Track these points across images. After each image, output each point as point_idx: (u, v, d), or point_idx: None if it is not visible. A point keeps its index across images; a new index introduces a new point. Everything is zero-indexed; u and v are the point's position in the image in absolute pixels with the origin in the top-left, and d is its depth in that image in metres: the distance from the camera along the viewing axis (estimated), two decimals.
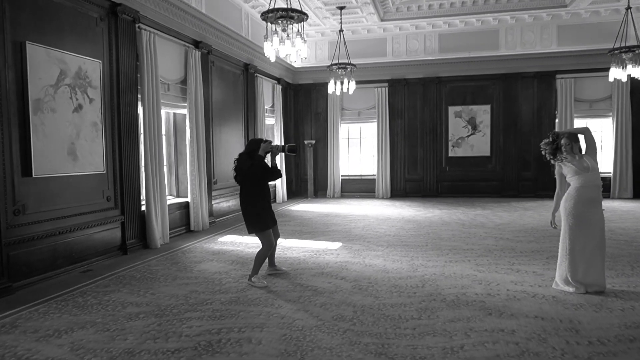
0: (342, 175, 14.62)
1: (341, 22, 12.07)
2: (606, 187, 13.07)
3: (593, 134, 5.04)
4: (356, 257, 6.58)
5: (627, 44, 10.61)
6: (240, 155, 5.61)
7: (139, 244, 7.26)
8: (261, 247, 5.46)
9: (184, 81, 8.72)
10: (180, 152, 9.14)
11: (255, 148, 5.44)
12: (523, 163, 13.63)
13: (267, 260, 5.72)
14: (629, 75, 10.77)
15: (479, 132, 13.89)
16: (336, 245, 7.39)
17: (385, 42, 14.14)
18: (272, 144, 5.47)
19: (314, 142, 14.55)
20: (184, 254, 7.02)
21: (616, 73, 10.90)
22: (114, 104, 6.84)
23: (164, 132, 8.67)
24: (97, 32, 6.52)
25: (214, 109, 9.81)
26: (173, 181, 9.19)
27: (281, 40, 7.69)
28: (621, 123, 12.80)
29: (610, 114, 13.03)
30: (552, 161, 5.03)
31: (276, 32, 7.62)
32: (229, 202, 10.52)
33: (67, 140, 5.97)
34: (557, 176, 5.01)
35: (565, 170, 4.86)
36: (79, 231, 6.14)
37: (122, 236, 6.99)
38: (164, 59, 8.08)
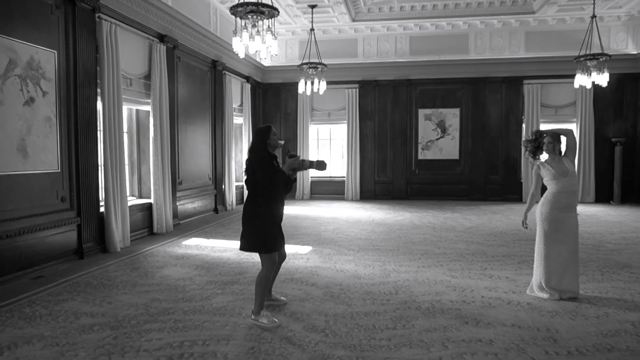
0: (311, 177, 14.40)
1: (312, 21, 11.86)
2: None
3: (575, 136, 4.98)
4: (327, 262, 6.36)
5: (592, 52, 10.83)
6: (252, 152, 4.28)
7: (96, 248, 6.83)
8: (261, 269, 4.21)
9: (147, 76, 8.31)
10: (143, 151, 8.71)
11: (266, 137, 4.20)
12: (491, 167, 13.75)
13: None
14: (593, 82, 10.99)
15: (448, 136, 13.93)
16: (306, 249, 7.15)
17: (356, 42, 14.02)
18: (300, 158, 4.29)
19: (283, 142, 14.22)
20: (145, 258, 6.64)
21: (581, 80, 11.10)
22: (70, 98, 6.40)
23: (125, 129, 8.24)
24: (52, 21, 6.08)
25: (179, 106, 9.42)
26: (135, 181, 8.75)
27: (251, 36, 7.41)
28: (585, 129, 13.08)
29: (575, 119, 13.29)
30: (531, 160, 4.99)
31: (246, 27, 7.34)
32: (194, 204, 10.13)
33: (17, 135, 5.52)
34: (534, 176, 4.92)
35: (543, 172, 4.79)
36: (29, 234, 5.69)
37: (78, 239, 6.55)
38: (127, 52, 7.66)
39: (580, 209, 11.59)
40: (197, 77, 10.28)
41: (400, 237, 8.16)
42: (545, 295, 4.71)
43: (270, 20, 7.61)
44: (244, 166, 4.36)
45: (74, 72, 6.45)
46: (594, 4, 11.04)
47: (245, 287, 5.21)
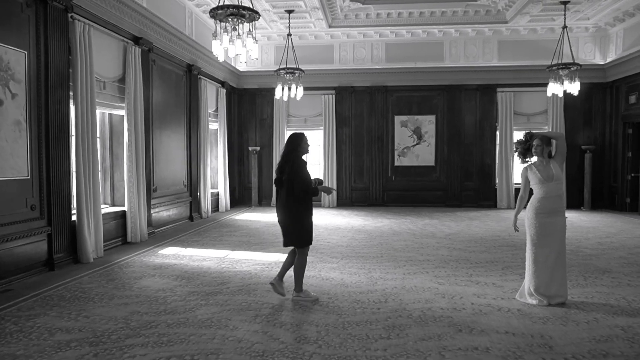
0: None
1: (289, 26, 11.78)
2: None
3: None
4: (311, 270, 6.21)
5: (563, 61, 11.11)
6: (288, 155, 4.87)
7: (68, 259, 6.50)
8: (297, 258, 4.93)
9: (122, 79, 8.03)
10: (116, 157, 8.40)
11: (298, 143, 4.85)
12: (466, 173, 13.91)
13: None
14: (565, 91, 11.26)
15: (424, 142, 14.03)
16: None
17: (333, 49, 14.01)
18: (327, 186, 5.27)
19: (258, 148, 14.09)
20: (121, 268, 6.35)
21: (554, 88, 11.37)
22: (41, 101, 6.09)
23: (98, 134, 7.93)
24: (23, 19, 5.78)
25: (154, 110, 9.15)
26: (108, 188, 8.43)
27: (231, 40, 7.25)
28: None
29: (546, 127, 13.59)
30: (520, 161, 5.00)
31: (226, 30, 7.18)
32: (169, 211, 9.83)
33: None
34: (522, 178, 4.95)
35: (530, 175, 4.82)
36: None
37: (48, 250, 6.22)
38: (101, 54, 7.38)
39: None
40: (172, 81, 10.02)
41: (382, 244, 8.10)
42: (534, 302, 4.71)
43: (251, 23, 7.49)
44: (275, 166, 5.04)
45: (45, 73, 6.15)
46: (564, 15, 11.35)
47: (230, 298, 5.02)
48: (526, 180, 4.89)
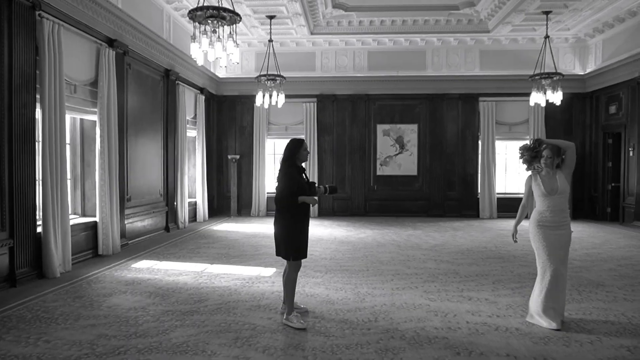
0: (267, 193, 13.84)
1: (270, 32, 11.49)
2: None
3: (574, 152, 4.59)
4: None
5: (543, 71, 11.11)
6: (283, 163, 4.66)
7: (32, 274, 6.02)
8: (288, 271, 4.60)
9: (94, 83, 7.60)
10: (88, 164, 7.94)
11: (296, 151, 4.57)
12: (448, 183, 13.77)
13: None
14: (547, 100, 11.24)
15: (406, 151, 13.86)
16: (270, 271, 6.64)
17: (315, 56, 13.78)
18: (318, 186, 4.81)
19: (238, 157, 13.70)
20: (89, 284, 5.90)
21: (536, 97, 11.34)
22: (4, 104, 5.65)
23: (68, 140, 7.48)
24: None
25: (129, 116, 8.71)
26: (78, 197, 7.95)
27: (211, 43, 6.92)
28: None
29: (528, 137, 13.56)
30: (525, 169, 4.67)
31: (205, 32, 6.85)
32: (144, 222, 9.36)
33: None
34: (525, 186, 4.65)
35: (534, 186, 4.53)
36: None
37: (10, 264, 5.74)
38: (71, 55, 6.96)
39: None
40: (148, 86, 9.60)
41: (367, 257, 7.81)
42: (544, 324, 4.33)
43: (231, 26, 7.18)
44: (276, 174, 4.68)
45: (9, 75, 5.71)
46: (547, 25, 11.37)
47: (207, 318, 4.64)
48: (529, 189, 4.60)
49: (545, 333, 4.23)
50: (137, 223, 9.10)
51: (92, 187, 7.88)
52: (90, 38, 7.44)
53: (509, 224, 12.10)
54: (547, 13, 11.06)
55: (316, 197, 4.62)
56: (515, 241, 4.85)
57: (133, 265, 6.98)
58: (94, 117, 7.66)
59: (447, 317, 4.67)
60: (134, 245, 8.55)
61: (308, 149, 4.81)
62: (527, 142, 4.67)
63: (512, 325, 4.43)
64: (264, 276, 6.36)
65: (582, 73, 13.30)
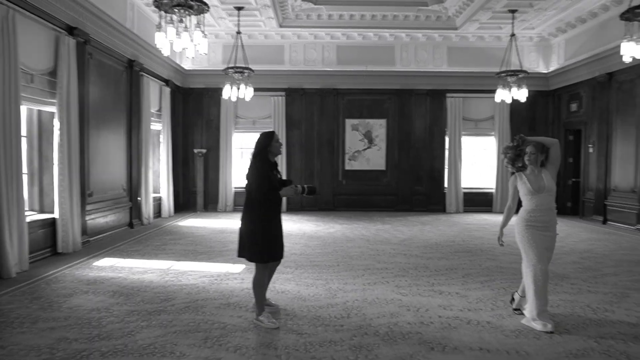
0: (235, 188, 13.62)
1: (239, 24, 11.25)
2: (488, 202, 13.87)
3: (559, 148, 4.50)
4: None
5: (508, 69, 11.32)
6: (254, 157, 4.38)
7: None
8: (255, 273, 4.38)
9: (53, 73, 7.24)
10: (46, 158, 7.55)
11: (268, 143, 4.32)
12: (416, 178, 13.89)
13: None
14: (512, 97, 11.46)
15: (375, 146, 13.89)
16: (239, 267, 6.49)
17: (283, 49, 13.61)
18: (294, 185, 4.50)
19: (204, 151, 13.42)
20: (48, 284, 5.61)
21: (502, 94, 11.55)
22: None
23: (24, 132, 7.10)
24: None
25: (90, 108, 8.35)
26: (35, 193, 7.56)
27: (177, 33, 6.70)
28: (502, 142, 13.61)
29: (493, 133, 13.84)
30: (509, 168, 4.55)
31: (172, 21, 6.62)
32: (106, 218, 9.02)
33: None
34: (510, 187, 4.52)
35: (519, 185, 4.40)
36: None
37: None
38: (27, 43, 6.58)
39: (501, 218, 12.08)
40: (111, 77, 9.23)
41: (337, 251, 7.77)
42: (538, 327, 4.16)
43: (199, 16, 6.97)
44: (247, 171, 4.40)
45: None
46: (512, 23, 11.56)
47: (175, 317, 4.48)
48: (515, 189, 4.47)
49: (516, 326, 4.28)
50: (99, 219, 8.76)
51: (50, 182, 7.50)
52: (48, 25, 7.07)
53: (475, 218, 12.34)
54: (513, 12, 11.25)
55: (298, 187, 4.40)
56: (502, 244, 4.63)
57: (95, 264, 6.70)
58: (53, 109, 7.29)
59: (420, 312, 4.67)
60: (96, 243, 8.23)
61: (281, 141, 4.54)
62: (512, 142, 4.51)
63: (483, 319, 4.46)
64: (233, 273, 6.22)
65: (546, 71, 13.64)
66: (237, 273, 6.20)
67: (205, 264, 6.77)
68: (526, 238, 4.31)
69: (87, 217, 8.23)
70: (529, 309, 4.35)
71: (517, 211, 4.56)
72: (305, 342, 3.89)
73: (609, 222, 11.12)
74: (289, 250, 7.72)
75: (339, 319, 4.47)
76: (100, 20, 8.39)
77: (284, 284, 5.69)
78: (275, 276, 5.89)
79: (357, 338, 3.98)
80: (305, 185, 4.53)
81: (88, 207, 8.28)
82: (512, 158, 4.47)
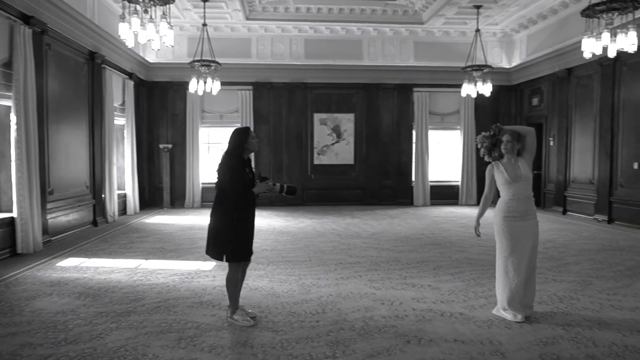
0: (202, 183, 13.39)
1: (204, 16, 11.01)
2: (454, 195, 14.13)
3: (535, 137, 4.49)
4: None
5: (474, 63, 11.53)
6: (226, 155, 4.21)
7: None
8: (228, 271, 4.25)
9: (8, 64, 6.89)
10: (2, 155, 7.20)
11: (244, 140, 4.15)
12: (384, 172, 14.00)
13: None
14: (477, 92, 11.68)
15: (343, 141, 13.91)
16: (209, 265, 6.37)
17: (250, 42, 13.42)
18: (271, 182, 4.32)
19: (170, 146, 13.11)
20: (8, 287, 5.35)
21: (468, 89, 11.75)
22: None
23: None
24: None
25: (50, 102, 8.01)
26: None
27: (142, 23, 6.49)
28: (467, 136, 13.91)
29: (459, 127, 14.09)
30: (486, 158, 4.51)
31: (136, 12, 6.40)
32: (69, 216, 8.69)
33: None
34: (487, 176, 4.48)
35: (496, 174, 4.38)
36: None
37: None
38: None
39: (468, 211, 12.35)
40: (71, 70, 8.87)
41: (308, 247, 7.74)
42: (508, 316, 4.25)
43: (164, 7, 6.77)
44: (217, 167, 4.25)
45: None
46: (477, 19, 11.76)
47: (146, 318, 4.35)
48: (491, 178, 4.45)
49: (487, 316, 4.37)
50: (62, 218, 8.43)
51: (7, 179, 7.16)
52: (1, 14, 6.71)
53: (442, 211, 12.55)
54: (478, 7, 11.45)
55: (271, 183, 4.26)
56: (479, 235, 4.59)
57: (58, 264, 6.44)
58: (9, 102, 6.95)
59: (394, 305, 4.70)
60: (59, 242, 7.93)
61: (257, 138, 4.38)
62: (488, 132, 4.47)
63: (456, 311, 4.53)
64: (204, 270, 6.10)
65: (508, 67, 13.96)
66: (209, 270, 6.08)
67: (174, 262, 6.62)
68: (502, 230, 4.31)
69: (49, 216, 7.91)
70: (499, 299, 4.41)
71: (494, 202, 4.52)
72: (282, 339, 3.85)
73: (568, 213, 11.53)
74: (259, 246, 7.70)
75: (314, 314, 4.45)
76: (58, 9, 8.03)
77: (256, 281, 5.62)
78: (247, 273, 5.83)
79: (333, 333, 3.97)
80: (285, 184, 4.38)
81: (49, 205, 7.95)
82: (489, 147, 4.45)
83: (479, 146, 4.56)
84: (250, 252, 4.36)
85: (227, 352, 3.61)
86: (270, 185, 4.29)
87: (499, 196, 4.47)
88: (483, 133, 4.53)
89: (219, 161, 4.23)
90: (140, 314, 4.45)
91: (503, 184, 4.34)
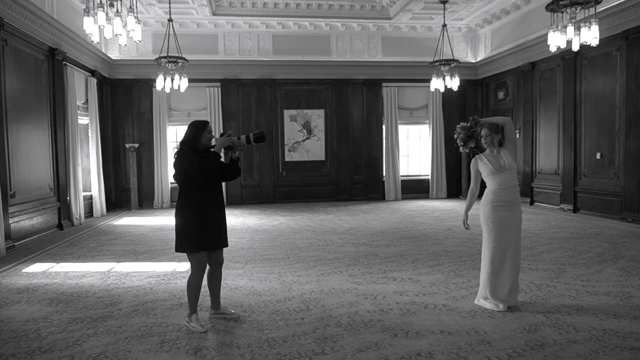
0: (171, 183, 13.08)
1: (170, 11, 10.73)
2: (425, 189, 14.32)
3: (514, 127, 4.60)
4: None
5: (440, 58, 11.68)
6: (181, 144, 3.99)
7: None
8: (190, 272, 4.04)
9: None
10: None
11: (198, 134, 3.93)
12: (355, 167, 14.05)
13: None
14: (446, 86, 11.84)
15: (314, 137, 13.87)
16: (186, 265, 6.20)
17: (217, 38, 13.19)
18: (232, 136, 3.98)
19: (137, 145, 12.75)
20: None
21: (436, 83, 11.89)
22: None
23: None
24: None
25: (8, 101, 7.63)
26: None
27: (108, 18, 6.26)
28: (436, 130, 14.11)
29: (427, 121, 14.27)
30: (461, 149, 4.56)
31: (100, 5, 6.17)
32: (32, 220, 8.32)
33: None
34: (472, 170, 4.51)
35: (481, 167, 4.40)
36: None
37: None
38: None
39: (439, 204, 12.54)
40: (30, 67, 8.48)
41: (285, 244, 7.67)
42: (490, 306, 4.29)
43: (129, 1, 6.55)
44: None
45: None
46: (444, 14, 11.90)
47: (124, 322, 4.19)
48: (477, 172, 4.47)
49: (470, 306, 4.42)
50: (25, 222, 8.06)
51: None
52: None
53: (414, 205, 12.69)
54: (444, 2, 11.60)
55: (233, 137, 3.97)
56: (467, 228, 4.63)
57: (24, 270, 6.15)
58: None
59: (377, 300, 4.69)
60: (23, 247, 7.58)
61: (213, 133, 4.20)
62: (465, 123, 4.53)
63: (439, 302, 4.56)
64: (181, 271, 5.95)
65: (474, 61, 14.22)
66: (185, 271, 5.92)
67: (149, 263, 6.43)
68: (490, 219, 4.33)
69: (11, 220, 7.55)
70: (482, 287, 4.46)
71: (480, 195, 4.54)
72: (268, 338, 3.77)
73: (535, 203, 11.86)
74: (235, 244, 7.59)
75: (299, 312, 4.39)
76: (14, 2, 7.64)
77: (236, 280, 5.52)
78: (225, 272, 5.72)
79: (320, 330, 3.93)
80: (250, 134, 4.01)
81: (11, 209, 7.59)
82: (464, 139, 4.49)
83: (455, 137, 4.60)
84: (209, 244, 4.00)
85: (213, 354, 3.51)
86: (233, 139, 3.99)
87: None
88: (461, 123, 4.56)
89: (175, 152, 4.03)
90: (117, 319, 4.28)
91: (489, 175, 4.37)
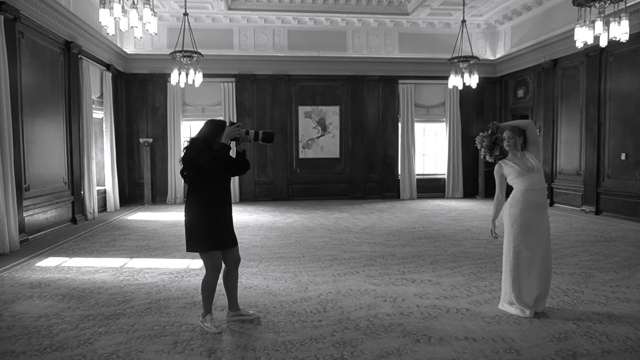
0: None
1: (185, 6, 10.62)
2: (441, 188, 14.09)
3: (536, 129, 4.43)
4: None
5: (459, 54, 11.41)
6: (192, 140, 3.87)
7: None
8: (205, 273, 3.90)
9: None
10: None
11: (215, 134, 3.81)
12: (370, 165, 13.86)
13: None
14: (464, 83, 11.58)
15: (328, 134, 13.71)
16: (199, 262, 6.08)
17: (232, 33, 13.08)
18: (242, 128, 3.82)
19: (151, 140, 12.70)
20: None
21: (454, 80, 11.64)
22: None
23: None
24: None
25: (24, 94, 7.59)
26: None
27: (124, 10, 6.16)
28: (453, 128, 13.86)
29: (444, 119, 14.02)
30: (487, 158, 4.38)
31: None
32: (46, 214, 8.29)
33: None
34: (496, 177, 4.33)
35: (506, 170, 4.23)
36: None
37: None
38: None
39: (455, 204, 12.31)
40: (46, 60, 8.44)
41: (300, 242, 7.53)
42: (515, 311, 4.10)
43: None
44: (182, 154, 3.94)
45: None
46: (463, 9, 11.63)
47: (137, 320, 4.08)
48: (501, 177, 4.29)
49: (494, 312, 4.23)
50: (39, 215, 8.03)
51: None
52: None
53: (430, 204, 12.47)
54: None
55: (243, 130, 3.80)
56: (496, 237, 4.42)
57: (38, 264, 6.09)
58: None
59: (397, 302, 4.53)
60: (37, 241, 7.54)
61: (240, 124, 3.91)
62: (485, 131, 4.36)
63: (461, 307, 4.38)
64: (194, 269, 5.84)
65: (493, 58, 13.93)
66: (199, 268, 5.82)
67: (162, 260, 6.33)
68: (517, 221, 4.13)
69: (25, 213, 7.52)
70: (505, 291, 4.27)
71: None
72: (285, 341, 3.63)
73: (556, 205, 11.57)
74: (249, 242, 7.47)
75: (316, 313, 4.24)
76: None
77: (250, 279, 5.40)
78: (239, 270, 5.59)
79: (338, 333, 3.78)
80: (260, 131, 3.87)
81: (25, 203, 7.55)
82: (489, 146, 4.30)
83: (478, 147, 4.42)
84: (221, 243, 3.87)
85: (228, 357, 3.38)
86: (241, 131, 3.80)
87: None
88: (481, 133, 4.40)
89: (188, 145, 3.88)
90: (130, 317, 4.18)
91: (517, 176, 4.17)
